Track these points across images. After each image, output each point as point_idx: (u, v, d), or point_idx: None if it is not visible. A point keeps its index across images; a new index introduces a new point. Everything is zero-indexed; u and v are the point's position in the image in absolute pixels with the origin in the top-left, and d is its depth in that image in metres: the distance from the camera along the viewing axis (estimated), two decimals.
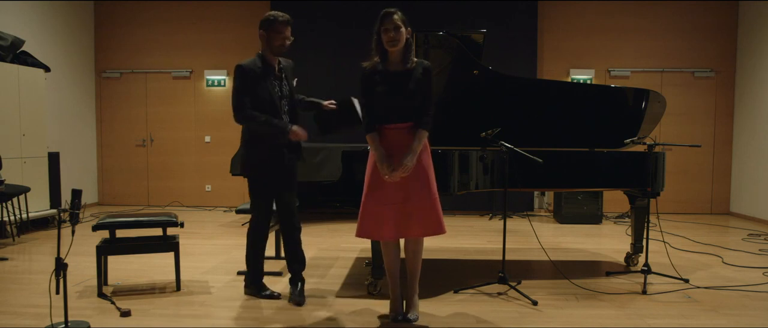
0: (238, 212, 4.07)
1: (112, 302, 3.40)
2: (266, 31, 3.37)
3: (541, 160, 3.59)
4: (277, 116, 3.39)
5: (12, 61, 6.01)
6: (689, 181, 7.78)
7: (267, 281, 3.70)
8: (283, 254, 4.64)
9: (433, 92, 3.05)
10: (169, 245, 3.75)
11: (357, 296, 3.64)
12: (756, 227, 6.62)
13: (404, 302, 3.24)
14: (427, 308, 3.38)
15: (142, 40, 8.24)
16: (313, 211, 4.29)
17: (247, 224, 3.64)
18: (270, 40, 3.37)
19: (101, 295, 3.56)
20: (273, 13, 3.39)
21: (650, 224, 4.16)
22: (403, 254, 3.22)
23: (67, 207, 2.89)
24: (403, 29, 2.95)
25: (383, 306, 3.39)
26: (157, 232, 3.80)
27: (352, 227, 6.14)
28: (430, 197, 3.02)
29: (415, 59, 3.06)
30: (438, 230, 3.04)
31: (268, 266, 4.35)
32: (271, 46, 3.39)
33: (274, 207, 3.59)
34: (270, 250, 4.70)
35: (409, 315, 3.15)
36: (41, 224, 6.31)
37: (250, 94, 3.34)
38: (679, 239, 5.69)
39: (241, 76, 3.34)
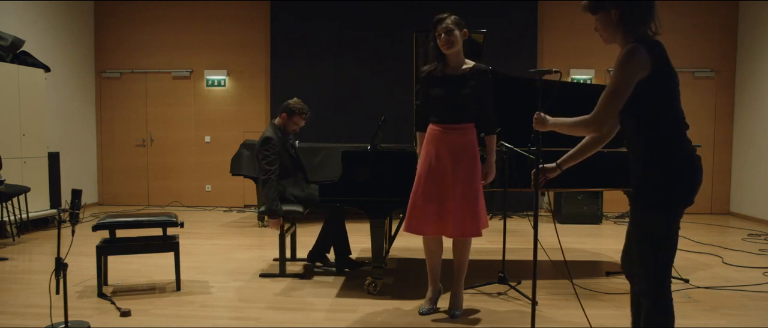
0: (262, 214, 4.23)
1: (112, 302, 3.40)
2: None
3: (541, 160, 3.59)
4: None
5: (12, 61, 6.01)
6: None
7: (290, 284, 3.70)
8: (297, 256, 4.66)
9: (493, 96, 3.17)
10: (169, 245, 3.75)
11: (357, 296, 3.64)
12: (756, 227, 6.62)
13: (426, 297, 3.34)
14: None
15: (142, 40, 8.24)
16: (313, 211, 4.30)
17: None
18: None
19: (101, 295, 3.56)
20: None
21: None
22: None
23: (67, 207, 2.89)
24: (457, 32, 3.04)
25: (383, 306, 3.40)
26: (157, 232, 3.80)
27: (351, 227, 6.13)
28: (471, 199, 3.09)
29: (473, 63, 3.15)
30: (474, 232, 3.11)
31: (290, 267, 4.36)
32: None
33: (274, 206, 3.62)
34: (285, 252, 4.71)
35: (450, 312, 3.24)
36: (41, 224, 6.31)
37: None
38: (679, 239, 5.68)
39: None
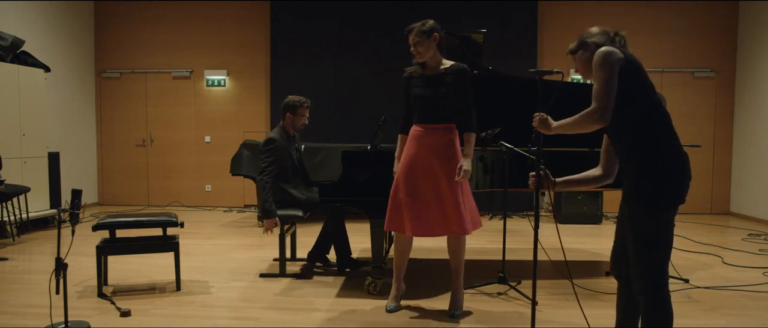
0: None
1: (112, 302, 3.40)
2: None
3: (541, 160, 3.59)
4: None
5: (12, 61, 6.01)
6: None
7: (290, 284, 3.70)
8: (297, 256, 4.66)
9: (471, 94, 3.17)
10: (169, 245, 3.75)
11: (357, 296, 3.64)
12: (756, 227, 6.62)
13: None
14: (427, 306, 3.39)
15: (142, 40, 8.24)
16: (312, 211, 4.30)
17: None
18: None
19: (101, 295, 3.56)
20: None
21: None
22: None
23: (67, 207, 2.89)
24: (425, 41, 3.10)
25: (383, 306, 3.39)
26: (157, 232, 3.80)
27: (351, 227, 6.13)
28: (454, 197, 3.08)
29: (450, 63, 3.18)
30: (459, 230, 3.10)
31: (289, 267, 4.36)
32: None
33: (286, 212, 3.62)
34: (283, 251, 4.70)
35: (450, 312, 3.24)
36: (41, 224, 6.31)
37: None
38: (679, 239, 5.69)
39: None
